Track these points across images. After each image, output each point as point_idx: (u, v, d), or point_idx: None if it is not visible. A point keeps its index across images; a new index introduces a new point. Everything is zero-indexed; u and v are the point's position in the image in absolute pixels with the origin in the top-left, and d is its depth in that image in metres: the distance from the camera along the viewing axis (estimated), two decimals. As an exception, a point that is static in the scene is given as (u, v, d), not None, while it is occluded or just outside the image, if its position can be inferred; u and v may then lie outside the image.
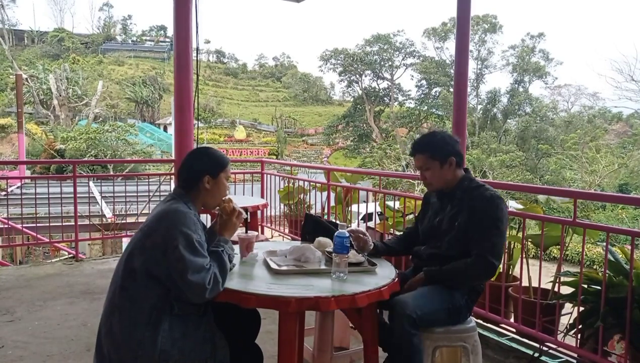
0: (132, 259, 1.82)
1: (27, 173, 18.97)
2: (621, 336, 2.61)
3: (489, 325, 3.40)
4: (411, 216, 3.87)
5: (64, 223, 5.59)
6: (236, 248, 2.18)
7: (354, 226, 2.29)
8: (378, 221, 5.44)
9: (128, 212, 7.69)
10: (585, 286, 2.83)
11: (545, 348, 2.98)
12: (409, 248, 2.49)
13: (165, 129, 38.59)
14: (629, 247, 2.67)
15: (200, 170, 1.97)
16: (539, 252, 3.21)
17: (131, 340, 1.75)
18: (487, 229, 2.11)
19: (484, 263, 2.09)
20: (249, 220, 4.44)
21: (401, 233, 2.68)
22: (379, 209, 5.04)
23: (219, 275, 1.80)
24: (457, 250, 2.18)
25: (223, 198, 2.03)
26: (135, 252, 1.82)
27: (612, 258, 2.80)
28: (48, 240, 6.11)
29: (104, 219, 7.92)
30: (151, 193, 6.61)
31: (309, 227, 2.60)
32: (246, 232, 2.37)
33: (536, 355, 2.99)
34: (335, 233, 1.99)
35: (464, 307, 2.22)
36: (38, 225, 5.68)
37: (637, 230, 3.43)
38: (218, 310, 1.94)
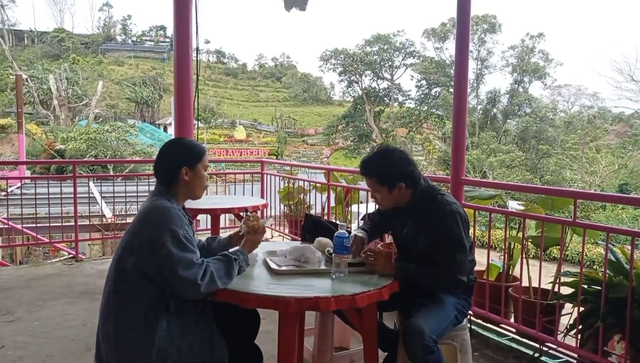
0: (123, 261, 1.81)
1: (27, 173, 18.92)
2: (621, 336, 2.61)
3: (489, 325, 3.41)
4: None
5: (64, 224, 5.59)
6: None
7: (353, 227, 2.26)
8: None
9: (128, 212, 7.70)
10: (585, 286, 2.83)
11: (545, 349, 2.98)
12: (374, 237, 2.55)
13: (165, 129, 38.58)
14: (629, 247, 2.67)
15: (176, 163, 1.93)
16: (539, 252, 3.20)
17: (129, 341, 1.75)
18: (451, 248, 2.07)
19: (452, 280, 2.08)
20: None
21: (369, 222, 2.59)
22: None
23: (217, 276, 1.77)
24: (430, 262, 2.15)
25: (250, 217, 2.05)
26: (125, 254, 1.81)
27: (613, 258, 2.80)
28: (48, 241, 6.10)
29: (104, 219, 7.92)
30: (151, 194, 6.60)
31: (309, 227, 2.60)
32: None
33: (536, 355, 2.99)
34: (335, 234, 1.99)
35: (467, 305, 2.27)
36: (38, 225, 5.66)
37: (637, 230, 3.43)
38: (217, 310, 1.94)
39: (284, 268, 2.09)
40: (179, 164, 1.92)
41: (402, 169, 2.16)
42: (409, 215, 2.24)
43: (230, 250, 1.96)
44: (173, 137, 3.60)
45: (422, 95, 41.11)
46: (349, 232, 2.16)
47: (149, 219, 1.81)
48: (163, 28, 57.38)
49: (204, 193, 2.04)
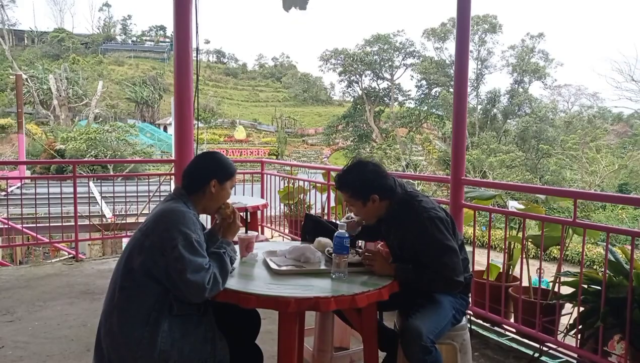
0: (132, 259, 1.82)
1: (27, 173, 18.93)
2: (621, 336, 2.60)
3: (489, 325, 3.41)
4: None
5: (64, 224, 5.59)
6: (236, 248, 2.18)
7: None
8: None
9: (128, 212, 7.70)
10: (585, 286, 2.83)
11: (545, 349, 2.98)
12: (371, 238, 2.65)
13: (165, 129, 38.59)
14: (629, 247, 2.67)
15: (209, 174, 1.98)
16: (539, 252, 3.20)
17: (131, 340, 1.75)
18: (437, 254, 2.07)
19: (449, 282, 2.08)
20: (248, 220, 4.44)
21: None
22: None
23: (219, 276, 1.80)
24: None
25: (222, 206, 2.04)
26: (135, 251, 1.82)
27: (613, 258, 2.80)
28: (48, 240, 6.10)
29: (104, 219, 7.92)
30: (151, 194, 6.60)
31: (309, 227, 2.60)
32: (246, 232, 2.38)
33: (536, 355, 2.99)
34: (335, 234, 1.99)
35: (464, 304, 2.27)
36: (38, 225, 5.67)
37: (637, 230, 3.44)
38: (218, 310, 1.94)
39: (284, 268, 2.09)
40: (210, 177, 1.97)
41: (375, 182, 2.17)
42: (391, 225, 2.25)
43: (215, 245, 1.94)
44: (173, 136, 3.60)
45: (422, 95, 41.10)
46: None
47: (163, 220, 1.83)
48: (163, 28, 57.41)
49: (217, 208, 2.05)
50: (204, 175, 1.97)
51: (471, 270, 2.72)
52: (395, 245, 2.25)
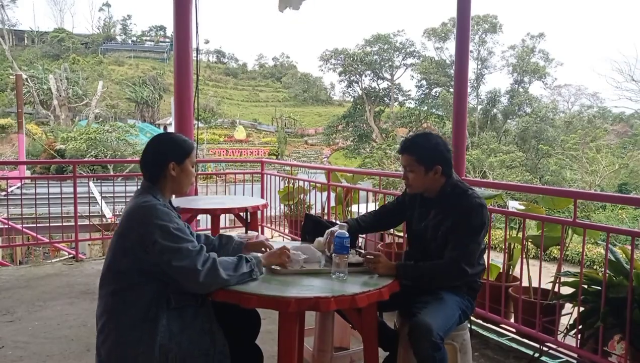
0: (117, 262, 1.80)
1: (27, 173, 18.95)
2: (621, 336, 2.61)
3: (489, 325, 3.41)
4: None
5: (64, 224, 5.59)
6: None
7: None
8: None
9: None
10: (586, 286, 2.83)
11: (545, 349, 2.98)
12: (379, 228, 2.71)
13: (165, 129, 38.55)
14: (629, 247, 2.67)
15: (164, 157, 1.92)
16: (539, 252, 3.20)
17: (131, 340, 1.75)
18: (465, 237, 2.10)
19: (457, 269, 2.09)
20: (248, 220, 4.44)
21: (375, 209, 2.63)
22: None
23: (222, 265, 1.76)
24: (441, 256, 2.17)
25: (283, 249, 2.02)
26: (118, 254, 1.81)
27: (613, 258, 2.80)
28: (48, 240, 6.10)
29: (104, 219, 7.92)
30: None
31: (308, 227, 2.60)
32: (246, 232, 2.38)
33: (536, 355, 2.99)
34: (335, 234, 1.99)
35: (469, 307, 2.25)
36: (38, 225, 5.67)
37: (637, 230, 3.43)
38: (218, 310, 1.94)
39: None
40: (167, 159, 1.91)
41: (443, 153, 2.21)
42: (435, 206, 2.24)
43: (247, 256, 1.93)
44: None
45: (422, 95, 41.09)
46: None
47: (136, 219, 1.80)
48: (163, 28, 57.47)
49: (189, 188, 2.03)
50: (160, 161, 1.91)
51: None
52: (431, 225, 2.23)
